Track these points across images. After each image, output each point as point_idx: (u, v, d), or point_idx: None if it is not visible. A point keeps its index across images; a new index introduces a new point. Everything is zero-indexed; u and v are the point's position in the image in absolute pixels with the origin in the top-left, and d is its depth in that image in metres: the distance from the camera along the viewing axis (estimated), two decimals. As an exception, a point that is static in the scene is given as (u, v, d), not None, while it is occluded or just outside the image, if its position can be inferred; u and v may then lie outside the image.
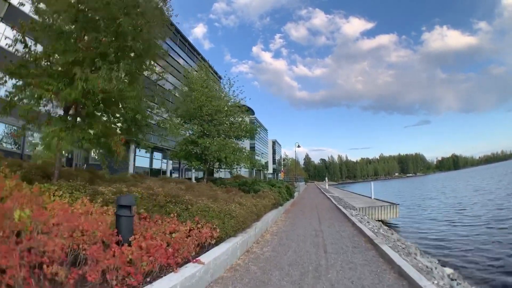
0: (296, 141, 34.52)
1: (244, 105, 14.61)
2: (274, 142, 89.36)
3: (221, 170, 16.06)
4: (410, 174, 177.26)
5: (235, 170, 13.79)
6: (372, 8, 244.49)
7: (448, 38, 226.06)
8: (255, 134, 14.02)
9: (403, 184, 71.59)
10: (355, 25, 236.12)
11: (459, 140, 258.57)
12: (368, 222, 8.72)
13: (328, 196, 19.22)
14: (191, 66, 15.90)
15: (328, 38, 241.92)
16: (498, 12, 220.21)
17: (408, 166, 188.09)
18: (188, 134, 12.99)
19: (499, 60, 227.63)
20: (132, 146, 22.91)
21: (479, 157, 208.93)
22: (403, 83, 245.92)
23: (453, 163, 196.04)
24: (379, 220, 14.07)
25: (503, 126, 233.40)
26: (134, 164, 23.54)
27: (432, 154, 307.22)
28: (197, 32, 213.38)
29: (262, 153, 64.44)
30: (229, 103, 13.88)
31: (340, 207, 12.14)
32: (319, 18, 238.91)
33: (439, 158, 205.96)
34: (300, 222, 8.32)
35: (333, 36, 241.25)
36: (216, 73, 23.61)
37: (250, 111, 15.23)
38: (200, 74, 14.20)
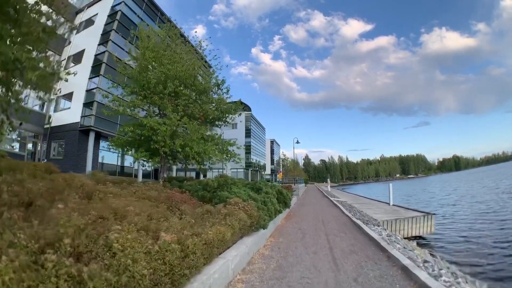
0: (295, 137, 30.41)
1: (223, 80, 10.61)
2: (272, 142, 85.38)
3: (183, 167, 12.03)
4: (412, 175, 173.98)
5: (207, 166, 9.73)
6: (371, 10, 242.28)
7: (447, 40, 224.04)
8: (235, 113, 9.97)
9: (407, 186, 67.40)
10: (353, 27, 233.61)
11: (459, 141, 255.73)
12: (426, 261, 4.64)
13: (335, 202, 15.16)
14: (147, 23, 11.94)
15: (327, 40, 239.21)
16: (497, 14, 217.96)
17: (409, 167, 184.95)
18: (132, 112, 8.95)
19: (498, 62, 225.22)
20: (91, 137, 18.86)
21: (480, 158, 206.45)
22: (402, 85, 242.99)
23: (455, 164, 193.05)
24: (410, 238, 10.05)
25: (503, 127, 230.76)
26: (96, 160, 19.42)
27: (433, 155, 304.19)
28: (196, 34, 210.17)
29: (247, 151, 60.37)
30: (199, 74, 9.87)
31: (357, 222, 8.07)
32: (318, 20, 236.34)
33: (440, 159, 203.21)
34: (298, 266, 4.24)
35: (332, 38, 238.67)
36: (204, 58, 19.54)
37: (229, 89, 11.18)
38: (163, 37, 10.25)
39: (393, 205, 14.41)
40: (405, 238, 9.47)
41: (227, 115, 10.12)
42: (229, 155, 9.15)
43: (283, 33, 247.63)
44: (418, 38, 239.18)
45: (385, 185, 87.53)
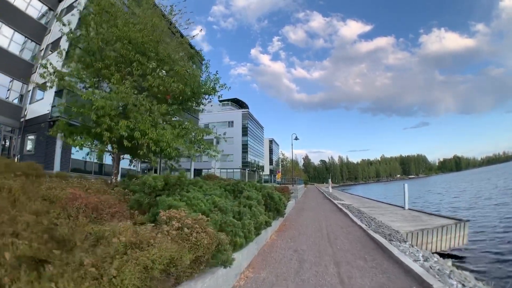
0: (293, 133, 28.09)
1: (197, 51, 8.40)
2: (271, 141, 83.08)
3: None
4: (412, 176, 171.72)
5: (174, 162, 7.44)
6: (370, 11, 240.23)
7: (446, 40, 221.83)
8: (214, 93, 7.66)
9: (410, 186, 64.32)
10: (352, 28, 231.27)
11: (459, 141, 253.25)
12: None
13: (339, 206, 12.85)
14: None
15: (326, 41, 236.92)
16: (496, 14, 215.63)
17: (410, 167, 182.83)
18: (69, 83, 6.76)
19: (498, 62, 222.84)
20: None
21: (481, 158, 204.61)
22: (401, 85, 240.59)
23: (455, 164, 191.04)
24: (440, 253, 7.74)
25: (503, 127, 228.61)
26: (67, 156, 17.04)
27: (433, 155, 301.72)
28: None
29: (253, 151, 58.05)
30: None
31: (376, 236, 5.77)
32: (317, 21, 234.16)
33: (441, 159, 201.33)
34: None
35: (331, 39, 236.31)
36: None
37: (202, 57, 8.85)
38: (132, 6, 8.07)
39: (409, 209, 12.12)
40: (434, 254, 7.19)
41: (202, 95, 7.84)
42: (202, 147, 6.85)
43: (282, 34, 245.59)
44: (417, 38, 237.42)
45: (387, 186, 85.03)
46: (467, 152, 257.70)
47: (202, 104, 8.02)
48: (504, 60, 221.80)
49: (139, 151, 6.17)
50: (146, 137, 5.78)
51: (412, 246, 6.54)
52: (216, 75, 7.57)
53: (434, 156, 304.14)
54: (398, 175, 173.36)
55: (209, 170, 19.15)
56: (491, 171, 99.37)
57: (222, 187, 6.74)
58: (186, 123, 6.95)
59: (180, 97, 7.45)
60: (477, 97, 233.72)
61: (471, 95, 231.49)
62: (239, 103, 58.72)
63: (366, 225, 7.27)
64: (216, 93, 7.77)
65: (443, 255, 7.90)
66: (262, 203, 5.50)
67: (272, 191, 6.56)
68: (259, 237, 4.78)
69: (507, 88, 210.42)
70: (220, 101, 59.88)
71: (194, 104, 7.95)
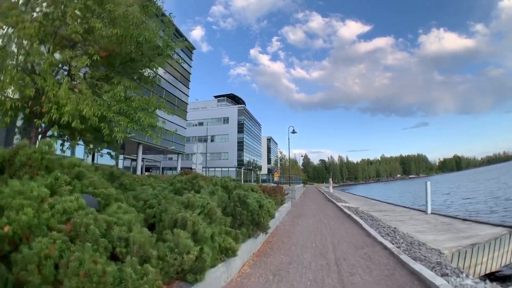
0: (291, 125, 25.56)
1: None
2: (269, 140, 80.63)
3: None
4: (413, 175, 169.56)
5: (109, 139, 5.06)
6: (369, 11, 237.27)
7: (445, 41, 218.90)
8: (169, 51, 5.30)
9: (412, 186, 62.18)
10: (352, 28, 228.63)
11: (459, 141, 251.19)
12: None
13: (345, 210, 10.45)
14: None
15: (325, 41, 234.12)
16: (495, 15, 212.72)
17: (410, 167, 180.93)
18: None
19: (497, 62, 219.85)
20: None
21: (481, 158, 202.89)
22: (400, 85, 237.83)
23: (456, 164, 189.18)
24: (489, 276, 5.36)
25: (502, 127, 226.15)
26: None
27: (433, 155, 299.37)
28: (195, 35, 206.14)
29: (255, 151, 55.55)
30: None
31: (420, 272, 3.39)
32: (316, 21, 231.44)
33: (441, 159, 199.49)
34: None
35: (330, 39, 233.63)
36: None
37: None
38: None
39: (432, 213, 9.76)
40: (482, 279, 4.82)
41: (155, 55, 5.43)
42: (139, 122, 4.46)
43: (281, 35, 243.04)
44: (416, 39, 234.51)
45: (388, 186, 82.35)
46: (466, 152, 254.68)
47: (155, 68, 5.62)
48: (503, 60, 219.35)
49: (36, 120, 3.85)
50: (44, 96, 3.47)
51: (467, 277, 4.17)
52: (171, 18, 5.18)
53: (434, 155, 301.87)
54: (399, 175, 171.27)
55: (192, 168, 16.74)
56: (492, 170, 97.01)
57: (173, 185, 4.37)
58: (120, 88, 4.56)
59: (124, 55, 5.05)
60: (476, 98, 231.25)
61: (470, 95, 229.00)
62: (235, 99, 56.27)
63: (391, 243, 4.88)
64: (171, 51, 5.37)
65: (492, 278, 5.55)
66: (219, 213, 3.11)
67: (248, 193, 4.16)
68: (206, 282, 2.39)
69: (506, 88, 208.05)
70: (216, 96, 57.39)
71: (143, 68, 5.55)
